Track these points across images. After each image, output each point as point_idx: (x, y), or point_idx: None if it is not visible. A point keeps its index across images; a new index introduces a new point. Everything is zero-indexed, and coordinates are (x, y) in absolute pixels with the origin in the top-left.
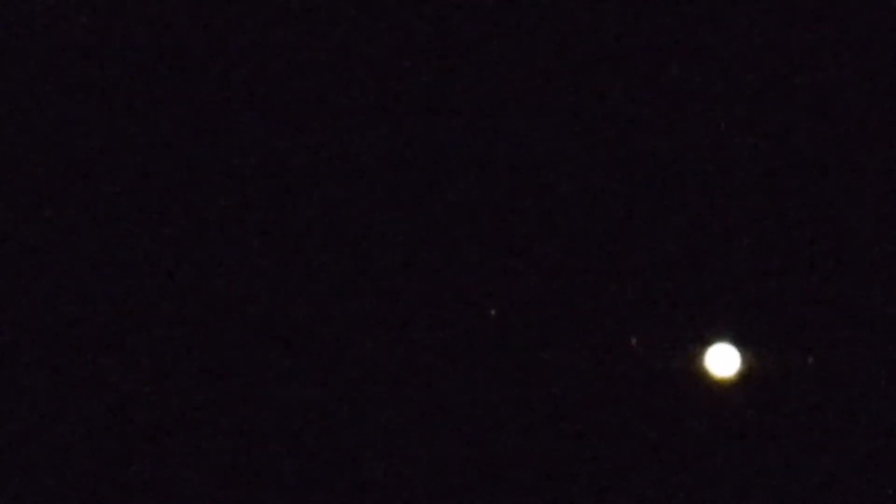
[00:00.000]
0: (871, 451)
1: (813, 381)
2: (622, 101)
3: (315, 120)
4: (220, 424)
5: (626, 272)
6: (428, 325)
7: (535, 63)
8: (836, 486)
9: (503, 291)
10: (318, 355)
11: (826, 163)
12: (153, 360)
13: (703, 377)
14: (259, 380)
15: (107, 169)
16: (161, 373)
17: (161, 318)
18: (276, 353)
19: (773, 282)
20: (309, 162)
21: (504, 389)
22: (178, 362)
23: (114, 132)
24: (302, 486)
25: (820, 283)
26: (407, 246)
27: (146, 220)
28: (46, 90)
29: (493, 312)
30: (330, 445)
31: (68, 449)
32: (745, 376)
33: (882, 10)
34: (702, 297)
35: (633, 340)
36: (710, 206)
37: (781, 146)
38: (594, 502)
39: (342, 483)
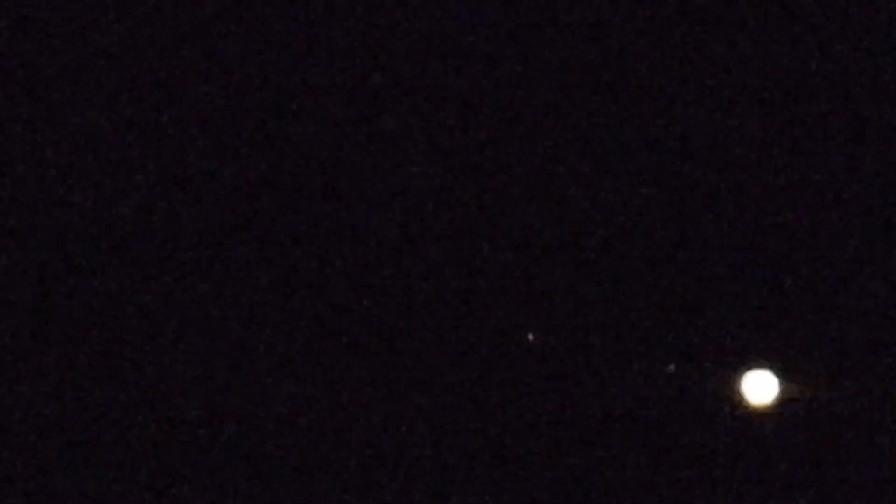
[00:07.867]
0: None
1: (849, 407)
2: (671, 126)
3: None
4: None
5: (665, 299)
6: (469, 349)
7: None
8: None
9: (541, 317)
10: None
11: (870, 198)
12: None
13: (740, 403)
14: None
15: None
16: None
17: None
18: (312, 366)
19: (809, 308)
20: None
21: (542, 412)
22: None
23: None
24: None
25: (858, 310)
26: (450, 269)
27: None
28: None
29: (531, 337)
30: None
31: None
32: (782, 403)
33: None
34: (739, 324)
35: (671, 367)
36: (750, 234)
37: (826, 184)
38: None
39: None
